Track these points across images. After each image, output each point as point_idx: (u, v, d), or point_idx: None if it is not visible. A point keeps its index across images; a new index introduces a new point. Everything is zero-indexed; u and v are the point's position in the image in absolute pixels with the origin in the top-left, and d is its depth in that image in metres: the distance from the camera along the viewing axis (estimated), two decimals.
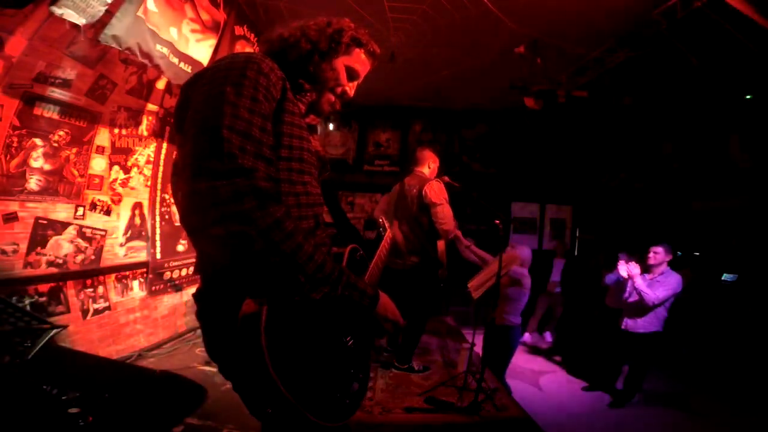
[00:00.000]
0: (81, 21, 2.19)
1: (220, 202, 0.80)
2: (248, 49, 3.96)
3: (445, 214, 3.34)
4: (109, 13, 2.34)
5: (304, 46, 1.14)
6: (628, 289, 3.84)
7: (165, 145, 3.85)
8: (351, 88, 1.21)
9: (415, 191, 3.49)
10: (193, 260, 4.45)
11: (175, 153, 1.13)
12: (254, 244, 0.81)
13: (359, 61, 1.21)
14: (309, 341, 0.95)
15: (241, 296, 0.88)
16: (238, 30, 3.85)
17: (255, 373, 0.86)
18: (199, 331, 4.18)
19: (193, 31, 3.18)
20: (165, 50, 2.88)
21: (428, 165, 3.70)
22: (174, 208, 4.11)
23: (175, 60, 3.01)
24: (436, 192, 3.38)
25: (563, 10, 3.84)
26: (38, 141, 2.66)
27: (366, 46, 1.21)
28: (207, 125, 0.86)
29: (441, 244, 3.82)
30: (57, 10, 2.11)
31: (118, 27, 2.46)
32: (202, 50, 3.32)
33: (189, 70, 3.16)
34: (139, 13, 2.59)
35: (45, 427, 1.48)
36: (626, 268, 3.77)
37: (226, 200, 0.80)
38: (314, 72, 1.14)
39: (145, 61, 2.74)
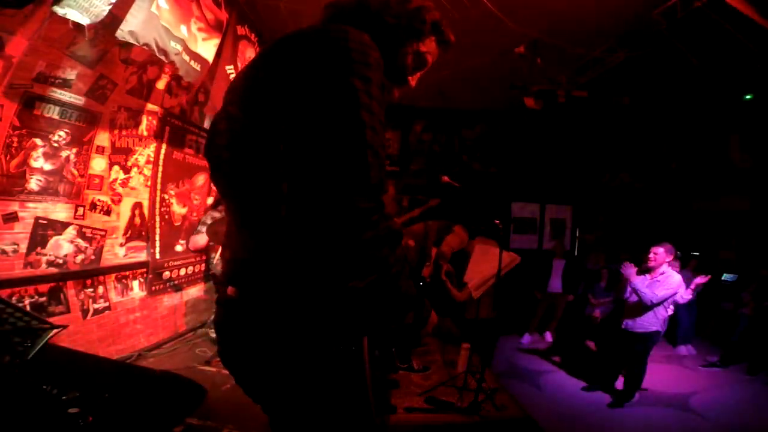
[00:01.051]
0: (85, 21, 2.19)
1: (376, 241, 0.80)
2: (250, 51, 3.96)
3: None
4: (111, 14, 2.33)
5: (386, 20, 0.96)
6: (627, 289, 3.85)
7: (165, 145, 3.85)
8: (415, 78, 1.06)
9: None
10: (193, 260, 4.42)
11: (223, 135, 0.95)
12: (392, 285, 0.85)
13: (431, 48, 1.04)
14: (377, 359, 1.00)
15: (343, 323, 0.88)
16: (240, 30, 3.85)
17: (352, 396, 0.90)
18: (199, 331, 4.20)
19: (200, 29, 3.20)
20: (179, 47, 2.90)
21: None
22: (174, 208, 4.11)
23: (187, 58, 3.03)
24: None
25: (563, 10, 3.84)
26: (38, 141, 2.66)
27: (443, 35, 1.05)
28: (350, 143, 0.77)
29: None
30: (60, 10, 2.10)
31: (133, 23, 2.48)
32: (209, 49, 3.33)
33: (198, 68, 3.17)
34: (153, 9, 2.61)
35: (45, 427, 1.48)
36: (624, 269, 3.79)
37: (380, 241, 0.81)
38: (393, 53, 0.97)
39: (162, 57, 2.76)
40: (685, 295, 3.85)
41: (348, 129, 0.78)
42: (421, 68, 1.06)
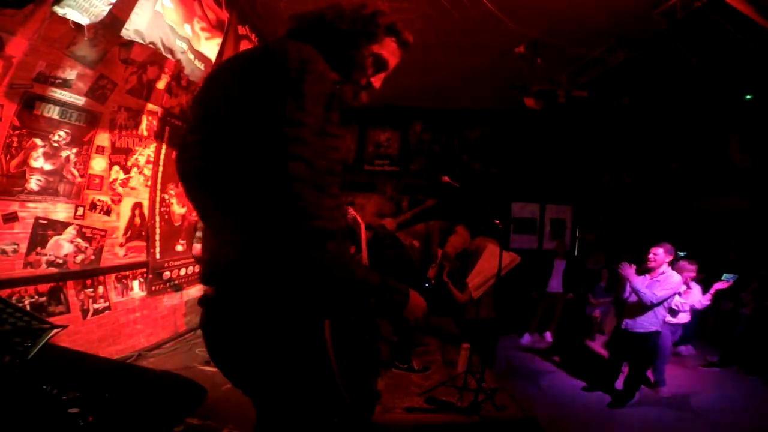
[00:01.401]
0: (84, 21, 2.19)
1: (301, 245, 0.87)
2: None
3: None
4: (111, 14, 2.33)
5: (340, 26, 1.03)
6: (629, 288, 3.85)
7: (165, 145, 3.85)
8: (378, 80, 1.11)
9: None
10: (193, 260, 4.41)
11: (179, 152, 1.08)
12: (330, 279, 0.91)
13: (390, 50, 1.10)
14: (356, 345, 1.07)
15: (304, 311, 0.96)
16: (241, 30, 3.85)
17: (319, 378, 0.97)
18: (199, 331, 4.19)
19: (202, 29, 3.20)
20: (184, 45, 2.90)
21: None
22: (174, 208, 4.11)
23: (192, 57, 3.03)
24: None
25: (563, 10, 3.84)
26: (38, 141, 2.66)
27: (400, 35, 1.11)
28: (284, 158, 0.84)
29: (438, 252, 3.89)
30: (60, 10, 2.10)
31: (138, 22, 2.47)
32: (212, 48, 3.34)
33: (202, 67, 3.17)
34: (157, 8, 2.61)
35: (45, 427, 1.48)
36: (622, 269, 3.79)
37: (305, 244, 0.87)
38: (348, 58, 1.04)
39: (168, 56, 2.77)
40: (703, 300, 3.83)
41: (272, 142, 0.86)
42: (383, 70, 1.11)
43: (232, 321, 0.98)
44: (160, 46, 2.66)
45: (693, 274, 4.27)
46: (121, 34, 2.45)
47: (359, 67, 1.06)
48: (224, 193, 0.95)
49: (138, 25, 2.48)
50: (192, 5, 3.06)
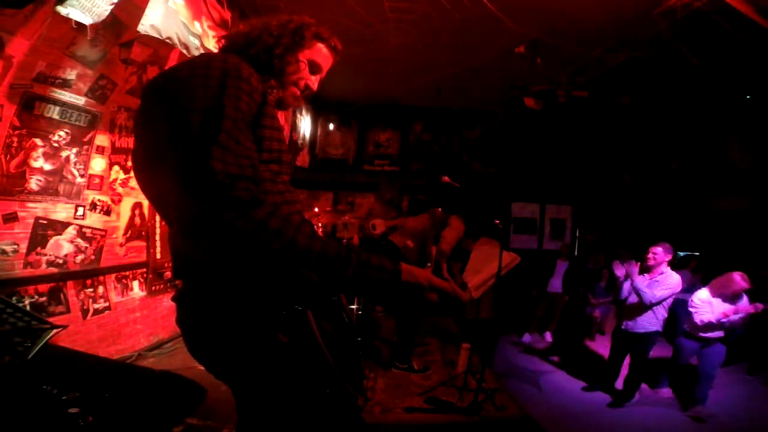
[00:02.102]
0: (87, 20, 2.19)
1: (217, 218, 0.86)
2: None
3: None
4: (112, 14, 2.33)
5: (267, 40, 1.15)
6: (626, 289, 3.84)
7: None
8: (314, 82, 1.23)
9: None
10: None
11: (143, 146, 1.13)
12: (257, 247, 0.88)
13: (321, 55, 1.22)
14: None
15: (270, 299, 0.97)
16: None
17: (313, 364, 0.98)
18: None
19: (209, 27, 3.20)
20: (197, 42, 2.91)
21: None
22: None
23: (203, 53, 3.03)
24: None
25: (563, 10, 3.84)
26: (38, 141, 2.66)
27: (328, 41, 1.23)
28: (197, 143, 0.87)
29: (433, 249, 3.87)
30: (63, 10, 2.10)
31: (153, 17, 2.47)
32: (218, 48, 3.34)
33: None
34: (170, 5, 2.61)
35: (45, 427, 1.48)
36: (624, 268, 3.78)
37: (217, 214, 0.86)
38: (279, 65, 1.15)
39: (184, 51, 2.77)
40: (732, 316, 3.63)
41: (193, 132, 0.89)
42: (317, 72, 1.23)
43: (204, 314, 1.02)
44: (176, 41, 2.66)
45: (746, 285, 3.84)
46: (138, 29, 2.45)
47: (291, 70, 1.17)
48: (163, 186, 0.97)
49: (153, 20, 2.47)
50: (199, 3, 3.06)
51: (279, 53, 1.15)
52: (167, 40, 2.61)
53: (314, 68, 1.22)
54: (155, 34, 2.51)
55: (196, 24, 2.97)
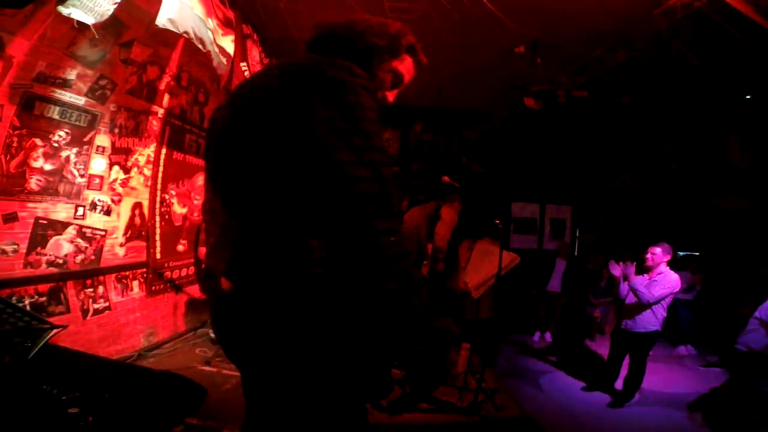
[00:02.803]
0: (90, 20, 2.19)
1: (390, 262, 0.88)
2: (254, 50, 3.96)
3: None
4: (112, 14, 2.33)
5: (371, 39, 1.07)
6: (625, 288, 3.85)
7: (165, 145, 3.85)
8: (392, 95, 1.16)
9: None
10: (193, 260, 4.39)
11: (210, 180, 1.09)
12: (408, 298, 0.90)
13: (408, 68, 1.15)
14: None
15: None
16: (245, 29, 3.86)
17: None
18: (199, 331, 4.20)
19: (218, 25, 3.21)
20: (212, 36, 2.91)
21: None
22: (175, 208, 4.11)
23: (216, 49, 3.04)
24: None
25: (563, 10, 3.83)
26: (38, 141, 2.66)
27: (418, 55, 1.15)
28: (358, 200, 0.85)
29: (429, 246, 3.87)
30: (64, 10, 2.10)
31: (170, 11, 2.46)
32: (228, 44, 3.34)
33: (225, 61, 3.17)
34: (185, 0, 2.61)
35: (45, 427, 1.48)
36: (620, 269, 3.78)
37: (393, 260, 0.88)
38: (373, 71, 1.07)
39: (200, 46, 2.78)
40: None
41: (335, 157, 0.86)
42: (398, 86, 1.16)
43: (258, 321, 0.96)
44: (192, 35, 2.66)
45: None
46: (156, 23, 2.43)
47: (380, 81, 1.10)
48: (268, 197, 0.93)
49: (169, 14, 2.46)
50: (208, 1, 3.07)
51: (378, 58, 1.08)
52: (184, 34, 2.61)
53: (397, 80, 1.14)
54: (172, 28, 2.49)
55: (209, 20, 2.98)
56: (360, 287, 0.89)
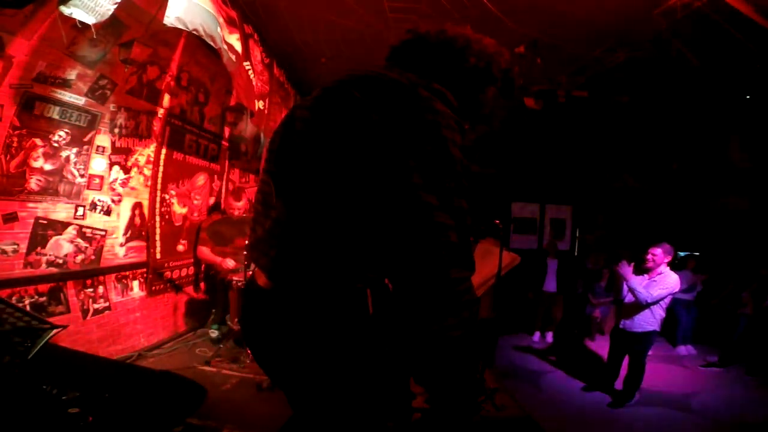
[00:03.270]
0: (90, 20, 2.19)
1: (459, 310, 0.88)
2: (256, 50, 3.95)
3: None
4: (112, 14, 2.33)
5: (470, 60, 0.96)
6: (624, 289, 3.85)
7: (165, 145, 3.85)
8: (496, 122, 1.09)
9: None
10: (193, 260, 4.38)
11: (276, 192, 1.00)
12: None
13: (493, 97, 1.06)
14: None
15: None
16: (247, 28, 3.86)
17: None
18: (199, 331, 4.20)
19: (225, 23, 3.20)
20: (221, 33, 2.91)
21: None
22: (175, 208, 4.11)
23: (225, 46, 3.03)
24: None
25: (563, 10, 3.83)
26: (38, 141, 2.66)
27: (512, 85, 1.06)
28: (437, 247, 0.84)
29: None
30: (66, 10, 2.10)
31: (177, 8, 2.44)
32: (235, 42, 3.33)
33: (234, 59, 3.16)
34: None
35: (45, 427, 1.48)
36: (620, 268, 3.79)
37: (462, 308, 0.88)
38: (472, 102, 0.98)
39: (211, 43, 2.78)
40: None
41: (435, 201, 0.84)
42: (481, 120, 1.11)
43: (294, 325, 0.94)
44: (202, 32, 2.65)
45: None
46: (164, 21, 2.41)
47: (481, 108, 1.02)
48: (335, 207, 0.90)
49: (177, 12, 2.44)
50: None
51: (474, 83, 0.97)
52: (194, 32, 2.60)
53: (481, 113, 1.05)
54: (181, 26, 2.48)
55: (219, 18, 2.98)
56: (414, 326, 0.89)
